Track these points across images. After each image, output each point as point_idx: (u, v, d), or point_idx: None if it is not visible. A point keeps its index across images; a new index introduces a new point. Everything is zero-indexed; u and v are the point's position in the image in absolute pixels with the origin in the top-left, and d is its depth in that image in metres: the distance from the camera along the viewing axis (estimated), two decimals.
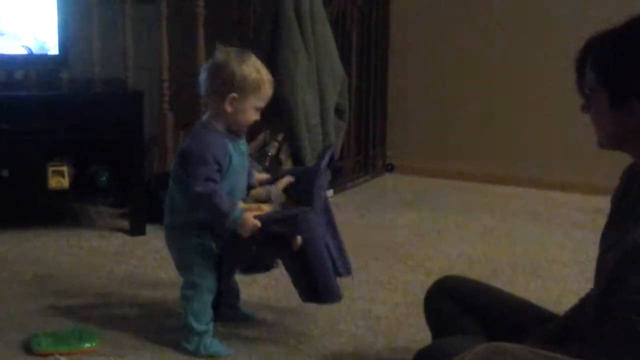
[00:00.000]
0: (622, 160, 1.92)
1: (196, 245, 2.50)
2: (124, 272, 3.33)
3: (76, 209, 4.22)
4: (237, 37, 4.66)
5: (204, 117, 2.52)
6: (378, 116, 5.27)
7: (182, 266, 2.58)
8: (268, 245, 2.45)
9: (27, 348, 2.53)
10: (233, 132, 2.49)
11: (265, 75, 2.44)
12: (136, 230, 3.83)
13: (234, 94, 2.40)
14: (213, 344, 2.55)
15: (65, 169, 3.85)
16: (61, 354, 2.39)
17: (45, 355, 2.47)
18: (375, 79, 5.19)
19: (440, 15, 5.09)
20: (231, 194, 2.45)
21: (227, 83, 2.41)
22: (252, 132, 4.05)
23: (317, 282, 2.45)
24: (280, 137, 4.21)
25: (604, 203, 1.95)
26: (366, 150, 5.21)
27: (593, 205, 4.23)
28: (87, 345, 2.54)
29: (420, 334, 2.50)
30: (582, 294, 2.10)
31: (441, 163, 5.18)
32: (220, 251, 2.51)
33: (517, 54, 4.90)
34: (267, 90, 2.45)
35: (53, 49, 3.86)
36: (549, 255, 3.66)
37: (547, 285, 3.26)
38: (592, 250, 1.92)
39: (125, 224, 3.93)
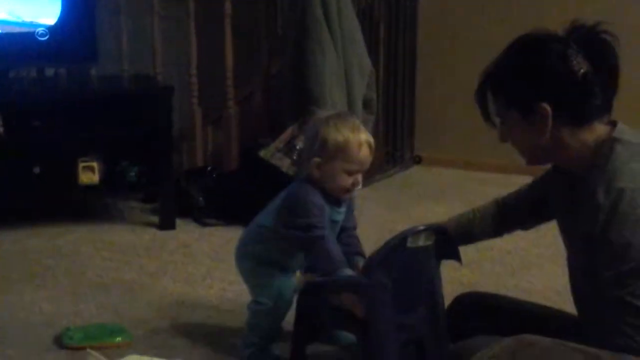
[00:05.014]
0: None
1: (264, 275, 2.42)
2: (154, 266, 3.35)
3: (107, 204, 4.25)
4: (265, 32, 4.67)
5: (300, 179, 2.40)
6: (406, 108, 5.25)
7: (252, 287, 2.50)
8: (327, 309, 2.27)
9: (59, 342, 2.57)
10: (331, 196, 2.33)
11: (353, 136, 2.25)
12: (166, 224, 3.86)
13: (318, 159, 2.28)
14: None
15: (95, 164, 3.87)
16: (93, 348, 2.41)
17: (77, 349, 2.49)
18: (403, 71, 5.17)
19: (468, 6, 5.06)
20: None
21: (311, 147, 2.30)
22: (281, 127, 4.06)
23: None
24: None
25: None
26: (394, 143, 5.20)
27: None
28: (119, 339, 2.57)
29: None
30: None
31: (469, 155, 5.15)
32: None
33: None
34: (356, 153, 2.26)
35: (82, 46, 3.90)
36: None
37: None
38: None
39: (155, 218, 3.96)
